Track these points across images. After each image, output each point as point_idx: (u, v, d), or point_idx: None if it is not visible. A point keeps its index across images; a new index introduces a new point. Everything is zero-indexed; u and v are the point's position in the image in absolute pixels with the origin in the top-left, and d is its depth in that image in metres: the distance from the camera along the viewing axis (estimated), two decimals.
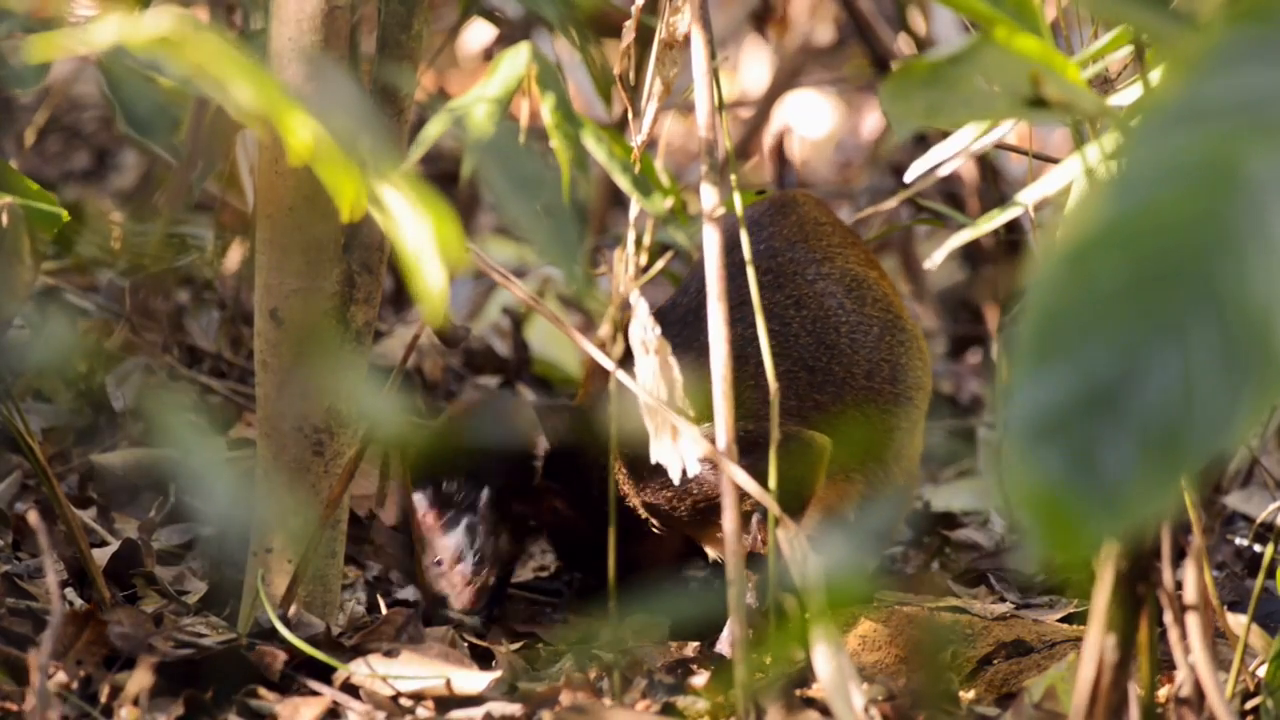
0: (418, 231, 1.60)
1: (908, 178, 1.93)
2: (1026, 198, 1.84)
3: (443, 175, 4.29)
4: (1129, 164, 1.18)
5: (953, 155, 1.87)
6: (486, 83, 1.80)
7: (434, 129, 1.75)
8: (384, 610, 2.44)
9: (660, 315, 2.47)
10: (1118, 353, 1.14)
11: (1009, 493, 1.15)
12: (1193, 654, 1.70)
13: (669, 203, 1.88)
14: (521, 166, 1.77)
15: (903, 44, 3.75)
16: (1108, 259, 1.15)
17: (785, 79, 4.20)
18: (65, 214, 2.14)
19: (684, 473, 1.95)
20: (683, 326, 2.46)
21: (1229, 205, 1.15)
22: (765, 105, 4.15)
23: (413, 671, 2.08)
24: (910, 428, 2.59)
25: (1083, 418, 1.14)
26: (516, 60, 1.81)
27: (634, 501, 2.45)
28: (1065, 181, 1.81)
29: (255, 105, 1.53)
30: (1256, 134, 1.17)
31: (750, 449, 2.06)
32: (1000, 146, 1.99)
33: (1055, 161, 1.98)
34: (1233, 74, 1.21)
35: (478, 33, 4.86)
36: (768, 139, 3.81)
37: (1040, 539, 1.14)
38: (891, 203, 1.89)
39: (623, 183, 1.84)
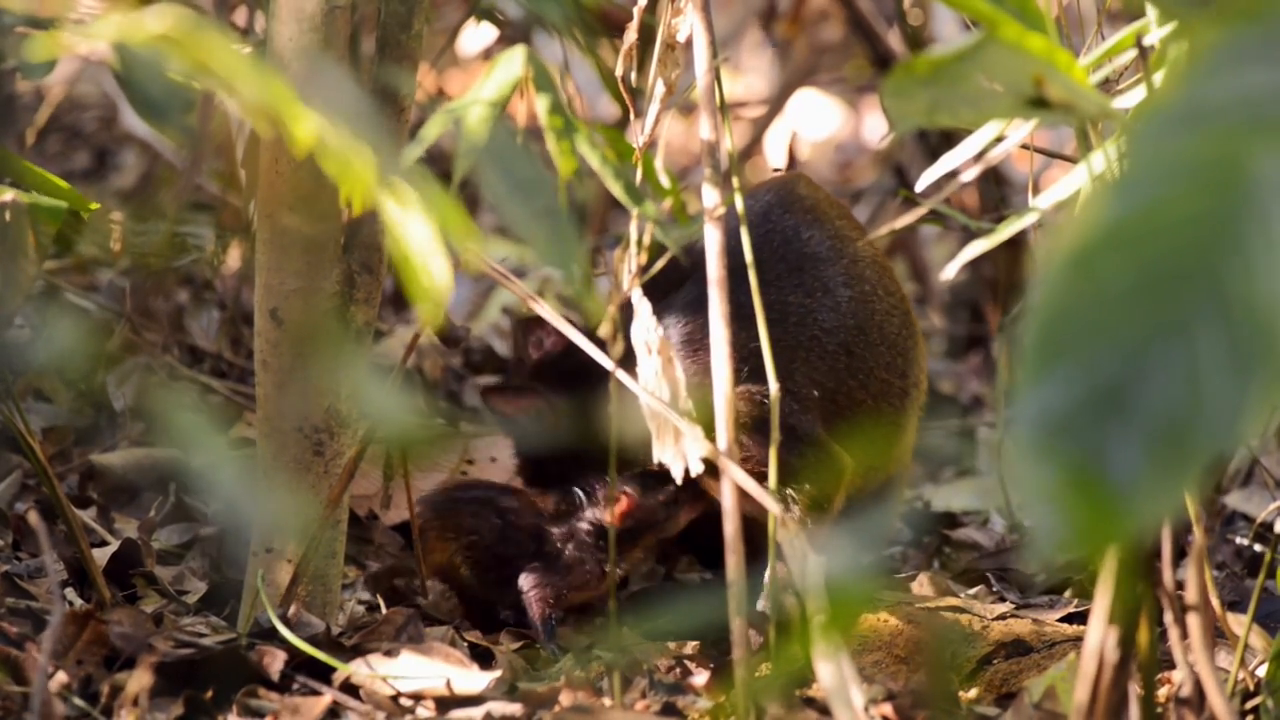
0: (423, 227, 1.59)
1: (919, 187, 1.91)
2: (1041, 203, 1.82)
3: (444, 175, 4.29)
4: (1132, 165, 1.18)
5: (967, 164, 1.84)
6: (482, 85, 1.79)
7: (432, 130, 1.75)
8: (384, 610, 2.44)
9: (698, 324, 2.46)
10: (1124, 353, 1.14)
11: (1017, 494, 1.15)
12: (1193, 654, 1.70)
13: (667, 204, 1.87)
14: (520, 168, 1.76)
15: (901, 44, 3.75)
16: (1113, 260, 1.15)
17: (796, 79, 4.18)
18: (94, 204, 2.14)
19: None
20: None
21: (1233, 204, 1.15)
22: (775, 105, 4.13)
23: (413, 671, 2.08)
24: (908, 423, 2.54)
25: (1090, 419, 1.14)
26: (512, 63, 1.81)
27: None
28: (1075, 187, 1.79)
29: (259, 100, 1.53)
30: (1259, 133, 1.17)
31: (791, 439, 2.01)
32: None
33: (1056, 158, 1.97)
34: (1234, 73, 1.21)
35: (478, 33, 4.86)
36: (772, 139, 3.81)
37: (1049, 540, 1.14)
38: (909, 218, 1.85)
39: (615, 188, 1.82)
